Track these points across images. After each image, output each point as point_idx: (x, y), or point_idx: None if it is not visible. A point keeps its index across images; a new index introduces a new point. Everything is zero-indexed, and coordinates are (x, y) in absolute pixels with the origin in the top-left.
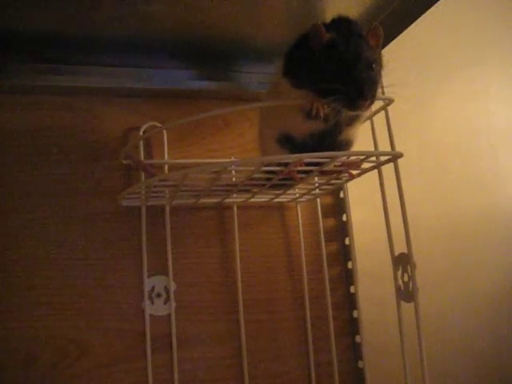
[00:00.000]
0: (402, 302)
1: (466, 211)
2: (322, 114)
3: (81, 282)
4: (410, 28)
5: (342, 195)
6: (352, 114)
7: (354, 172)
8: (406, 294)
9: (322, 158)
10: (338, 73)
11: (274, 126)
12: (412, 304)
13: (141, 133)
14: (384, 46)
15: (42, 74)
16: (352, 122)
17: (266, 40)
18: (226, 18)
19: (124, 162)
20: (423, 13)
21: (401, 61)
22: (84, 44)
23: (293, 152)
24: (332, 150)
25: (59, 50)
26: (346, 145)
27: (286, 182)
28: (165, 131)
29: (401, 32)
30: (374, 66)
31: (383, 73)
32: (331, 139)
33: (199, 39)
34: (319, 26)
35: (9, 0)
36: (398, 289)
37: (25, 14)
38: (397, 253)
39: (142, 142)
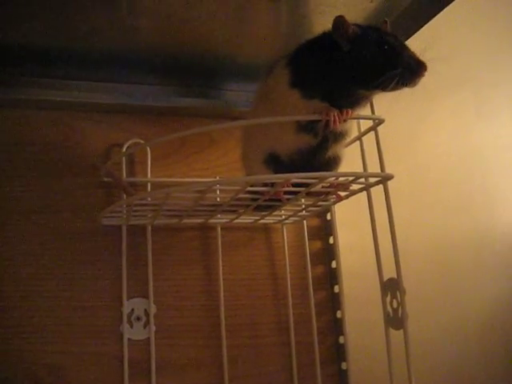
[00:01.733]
0: (391, 329)
1: (455, 235)
2: (338, 125)
3: (57, 304)
4: None
5: (328, 217)
6: (339, 129)
7: (343, 194)
8: (394, 320)
9: (309, 178)
10: (389, 58)
11: (261, 145)
12: (399, 331)
13: (124, 149)
14: None
15: (24, 88)
16: (339, 138)
17: (252, 58)
18: (213, 35)
19: (105, 179)
20: (418, 30)
21: None
22: (69, 58)
23: (279, 172)
24: (320, 168)
25: (43, 64)
26: (333, 162)
27: (272, 203)
28: (148, 149)
29: None
30: None
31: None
32: (319, 156)
33: (185, 55)
34: (344, 17)
35: None
36: (386, 315)
37: (7, 27)
38: (385, 278)
39: (124, 160)
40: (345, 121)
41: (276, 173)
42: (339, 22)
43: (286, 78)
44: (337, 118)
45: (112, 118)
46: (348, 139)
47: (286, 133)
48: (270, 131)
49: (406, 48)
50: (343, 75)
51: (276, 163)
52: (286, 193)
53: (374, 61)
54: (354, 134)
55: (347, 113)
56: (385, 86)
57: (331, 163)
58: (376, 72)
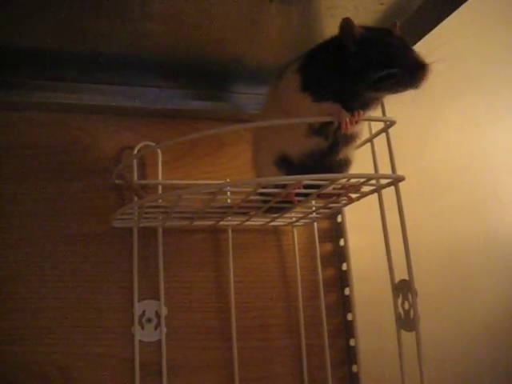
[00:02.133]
0: (402, 331)
1: (465, 237)
2: (349, 128)
3: (68, 305)
4: None
5: (339, 219)
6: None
7: (354, 195)
8: (406, 322)
9: (321, 180)
10: (388, 58)
11: (272, 147)
12: (411, 332)
13: (135, 152)
14: None
15: (35, 91)
16: (350, 140)
17: (262, 61)
18: (223, 39)
19: (117, 181)
20: (428, 32)
21: None
22: (79, 61)
23: (290, 174)
24: (331, 170)
25: (54, 67)
26: (344, 165)
27: (283, 205)
28: (159, 151)
29: None
30: None
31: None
32: (330, 158)
33: (195, 59)
34: (350, 20)
35: (1, 15)
36: (398, 317)
37: (18, 30)
38: (396, 279)
39: (135, 162)
40: (356, 122)
41: (287, 175)
42: (345, 24)
43: (296, 83)
44: (348, 122)
45: (123, 120)
46: (359, 141)
47: (298, 135)
48: (281, 134)
49: (410, 50)
50: (350, 77)
51: (287, 165)
52: (297, 195)
53: (375, 61)
54: (365, 135)
55: (359, 114)
56: (385, 87)
57: (342, 165)
58: (376, 72)
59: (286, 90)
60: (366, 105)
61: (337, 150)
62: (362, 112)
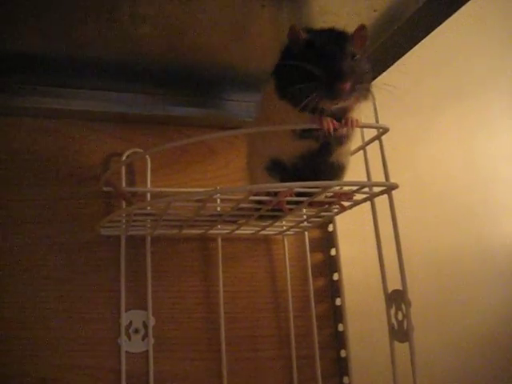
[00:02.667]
0: (396, 342)
1: (458, 246)
2: (332, 132)
3: (54, 315)
4: (406, 61)
5: (330, 228)
6: (335, 107)
7: (346, 204)
8: (400, 333)
9: (313, 187)
10: (317, 67)
11: (263, 152)
12: (404, 343)
13: (123, 159)
14: (380, 72)
15: (21, 96)
16: (342, 141)
17: (253, 67)
18: (214, 45)
19: (105, 189)
20: (421, 39)
21: (397, 91)
22: (67, 66)
23: (283, 179)
24: (325, 175)
25: (42, 72)
26: (338, 169)
27: (274, 213)
28: (148, 158)
29: (398, 59)
30: (355, 57)
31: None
32: (323, 161)
33: (186, 65)
34: (294, 26)
35: None
36: (391, 328)
37: (5, 35)
38: (390, 289)
39: (124, 169)
40: (352, 128)
41: (280, 179)
42: (290, 30)
43: (273, 86)
44: (331, 125)
45: (111, 127)
46: (351, 143)
47: (285, 139)
48: (270, 138)
49: (341, 57)
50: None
51: (280, 170)
52: (288, 203)
53: (307, 73)
54: (358, 143)
55: (352, 122)
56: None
57: (336, 170)
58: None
59: (270, 94)
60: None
61: (329, 151)
62: (356, 119)
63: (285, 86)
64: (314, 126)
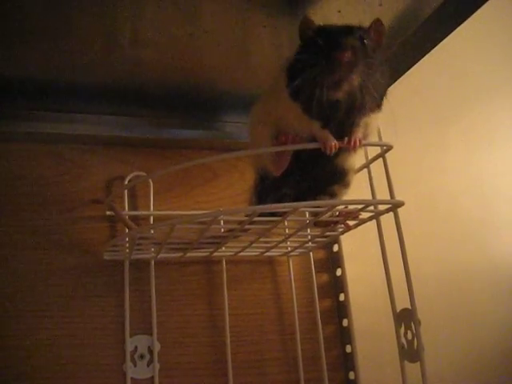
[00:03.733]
0: (406, 362)
1: (466, 263)
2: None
3: (57, 342)
4: (409, 76)
5: (335, 249)
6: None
7: (351, 223)
8: (410, 353)
9: (319, 206)
10: (323, 49)
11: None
12: (414, 363)
13: (125, 182)
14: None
15: (24, 121)
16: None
17: (254, 89)
18: (215, 67)
19: (107, 213)
20: (425, 54)
21: (401, 107)
22: (69, 91)
23: (287, 174)
24: (328, 177)
25: (42, 97)
26: (343, 172)
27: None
28: (151, 182)
29: (400, 75)
30: (365, 40)
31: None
32: (326, 162)
33: (187, 88)
34: (307, 16)
35: None
36: (401, 347)
37: (5, 61)
38: (398, 309)
39: (126, 193)
40: (354, 150)
41: (283, 178)
42: (302, 19)
43: (284, 84)
44: (332, 146)
45: (113, 150)
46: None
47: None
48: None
49: (347, 33)
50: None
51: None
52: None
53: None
54: (362, 160)
55: (355, 141)
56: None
57: (341, 173)
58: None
59: (276, 90)
60: (343, 126)
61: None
62: (360, 139)
63: (297, 87)
64: (316, 146)
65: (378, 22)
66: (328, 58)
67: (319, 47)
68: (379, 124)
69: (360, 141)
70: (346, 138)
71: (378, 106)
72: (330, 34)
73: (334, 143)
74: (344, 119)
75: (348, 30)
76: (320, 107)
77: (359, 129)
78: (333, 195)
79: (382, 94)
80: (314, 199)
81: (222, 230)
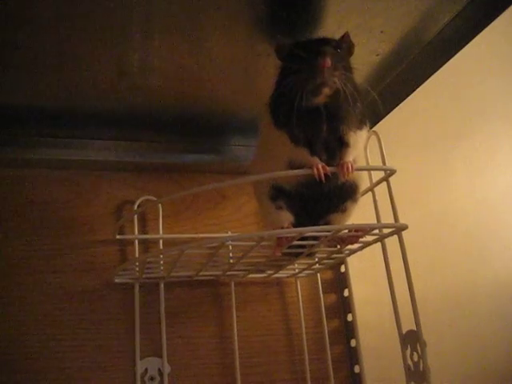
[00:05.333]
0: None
1: (473, 284)
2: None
3: (69, 364)
4: (412, 98)
5: (342, 269)
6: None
7: (354, 246)
8: (416, 374)
9: (324, 231)
10: (301, 60)
11: (264, 181)
12: None
13: (135, 207)
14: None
15: (35, 148)
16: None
17: (261, 113)
18: (221, 92)
19: (118, 237)
20: (423, 82)
21: (404, 129)
22: (79, 117)
23: (289, 207)
24: (334, 196)
25: (53, 124)
26: (350, 189)
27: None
28: (160, 205)
29: (402, 100)
30: (339, 49)
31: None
32: (329, 185)
33: (195, 113)
34: (279, 41)
35: (2, 71)
36: (407, 369)
37: (19, 87)
38: (404, 330)
39: (136, 217)
40: (348, 174)
41: (286, 206)
42: (276, 46)
43: (268, 115)
44: (321, 172)
45: (123, 175)
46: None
47: (282, 169)
48: (269, 167)
49: (324, 44)
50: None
51: (283, 196)
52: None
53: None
54: (366, 184)
55: (347, 167)
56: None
57: (346, 190)
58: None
59: (264, 122)
60: (331, 148)
61: (333, 176)
62: (352, 164)
63: (278, 109)
64: (307, 172)
65: (346, 35)
66: (309, 64)
67: (298, 58)
68: (383, 148)
69: (352, 166)
70: (337, 165)
71: (361, 121)
72: (308, 44)
73: (321, 165)
74: (329, 137)
75: (323, 40)
76: (301, 118)
77: (349, 150)
78: (344, 211)
79: (362, 108)
80: (328, 219)
81: (231, 254)
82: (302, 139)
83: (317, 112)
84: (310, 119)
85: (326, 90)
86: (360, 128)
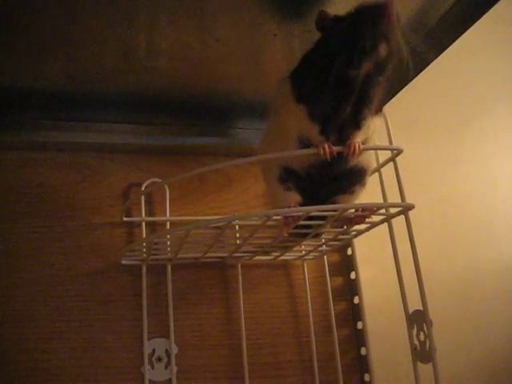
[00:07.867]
0: (419, 363)
1: (478, 266)
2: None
3: (77, 345)
4: (420, 82)
5: (349, 252)
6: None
7: (363, 226)
8: (422, 354)
9: (330, 210)
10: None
11: (274, 162)
12: (428, 365)
13: (142, 189)
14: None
15: (42, 131)
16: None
17: (267, 96)
18: (228, 75)
19: (125, 219)
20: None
21: (412, 113)
22: (85, 100)
23: (299, 188)
24: (341, 179)
25: (61, 107)
26: (358, 173)
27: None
28: (167, 188)
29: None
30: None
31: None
32: (339, 167)
33: (201, 95)
34: (322, 11)
35: (8, 55)
36: (413, 348)
37: (26, 71)
38: (410, 310)
39: (143, 199)
40: (353, 154)
41: (295, 188)
42: (318, 15)
43: (289, 88)
44: (327, 151)
45: (130, 158)
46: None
47: (294, 149)
48: (279, 147)
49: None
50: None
51: (293, 178)
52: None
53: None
54: (373, 164)
55: (354, 147)
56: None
57: (355, 174)
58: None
59: (280, 97)
60: (344, 130)
61: (343, 158)
62: (360, 144)
63: (305, 81)
64: (313, 152)
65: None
66: (372, 9)
67: (348, 24)
68: (390, 128)
69: (359, 146)
70: (346, 145)
71: (380, 107)
72: (357, 10)
73: (327, 144)
74: (348, 118)
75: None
76: (330, 92)
77: (359, 133)
78: (352, 194)
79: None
80: (335, 199)
81: (238, 235)
82: (321, 116)
83: (350, 87)
84: (340, 94)
85: (383, 48)
86: (377, 114)
